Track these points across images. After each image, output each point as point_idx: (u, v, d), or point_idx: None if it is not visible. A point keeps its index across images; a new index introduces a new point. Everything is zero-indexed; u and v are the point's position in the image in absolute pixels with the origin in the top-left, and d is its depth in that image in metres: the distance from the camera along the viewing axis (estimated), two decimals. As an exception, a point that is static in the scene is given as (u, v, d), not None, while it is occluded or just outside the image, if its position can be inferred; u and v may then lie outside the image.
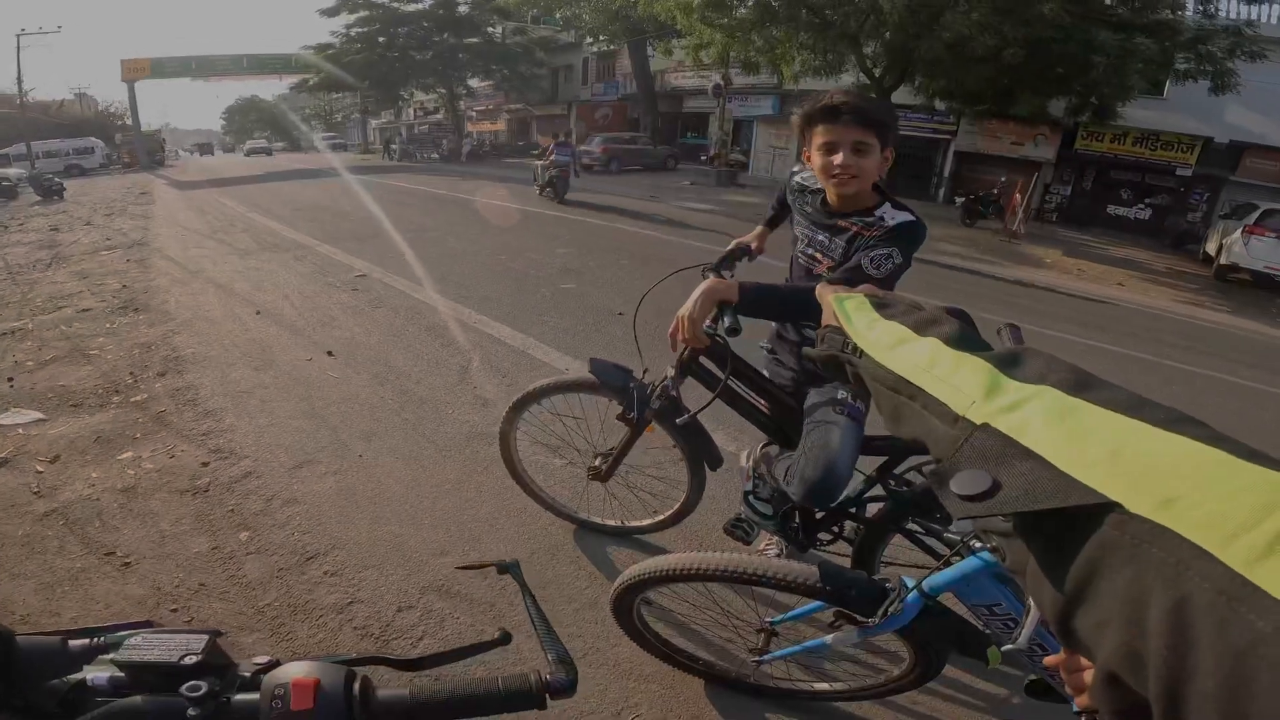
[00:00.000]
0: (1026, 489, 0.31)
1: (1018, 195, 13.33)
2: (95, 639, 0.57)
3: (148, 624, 0.59)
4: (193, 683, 0.49)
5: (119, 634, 0.56)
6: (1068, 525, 0.29)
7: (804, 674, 1.66)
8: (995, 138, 17.57)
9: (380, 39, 29.36)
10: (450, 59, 29.38)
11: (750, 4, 13.29)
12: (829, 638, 1.30)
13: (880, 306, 0.51)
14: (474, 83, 33.60)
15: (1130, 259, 12.16)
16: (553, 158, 12.19)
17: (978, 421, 0.36)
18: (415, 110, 43.42)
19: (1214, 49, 10.90)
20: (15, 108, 30.28)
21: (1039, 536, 0.31)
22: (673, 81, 25.44)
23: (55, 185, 15.57)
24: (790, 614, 1.46)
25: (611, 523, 2.27)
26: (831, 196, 1.53)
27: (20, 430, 3.04)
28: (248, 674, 0.53)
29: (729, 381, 1.61)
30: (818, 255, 1.60)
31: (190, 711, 0.48)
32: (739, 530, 1.92)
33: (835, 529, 1.83)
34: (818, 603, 1.31)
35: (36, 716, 0.51)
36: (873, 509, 1.74)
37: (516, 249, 7.41)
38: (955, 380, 0.39)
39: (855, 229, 1.49)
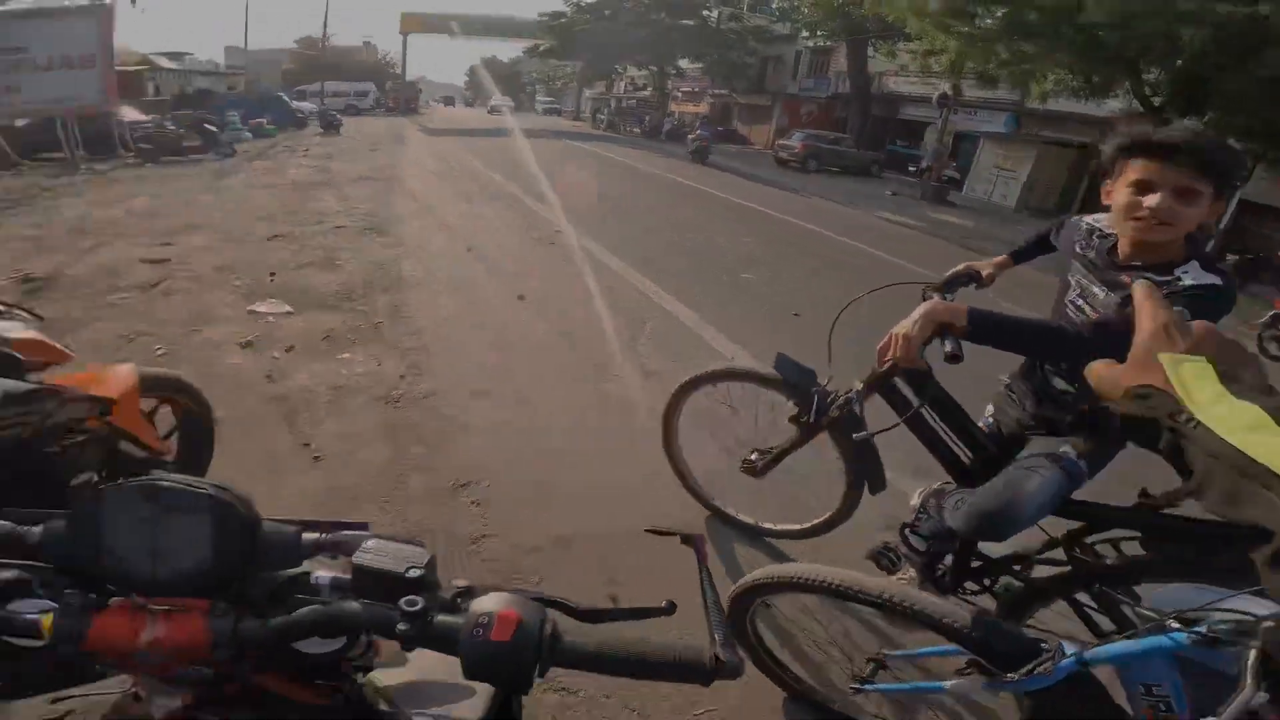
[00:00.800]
0: None
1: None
2: (322, 535, 0.59)
3: (365, 526, 0.61)
4: (410, 597, 0.50)
5: (343, 534, 0.59)
6: None
7: (897, 715, 1.59)
8: (1300, 192, 14.12)
9: (605, 12, 30.99)
10: (664, 38, 30.22)
11: (998, 14, 11.87)
12: (948, 683, 1.21)
13: (1228, 378, 0.48)
14: (684, 64, 34.25)
15: None
16: (698, 132, 18.94)
17: None
18: (626, 85, 45.30)
19: None
20: (318, 50, 36.66)
21: None
22: (890, 85, 23.80)
23: (335, 120, 18.66)
24: (913, 651, 1.39)
25: (749, 519, 2.23)
26: (1124, 245, 1.31)
27: (270, 319, 3.68)
28: (448, 596, 0.54)
29: (922, 409, 1.50)
30: (1088, 309, 1.39)
31: (400, 626, 0.49)
32: (885, 559, 1.83)
33: (988, 581, 1.67)
34: (948, 646, 1.21)
35: (250, 603, 0.53)
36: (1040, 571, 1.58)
37: (703, 231, 7.47)
38: None
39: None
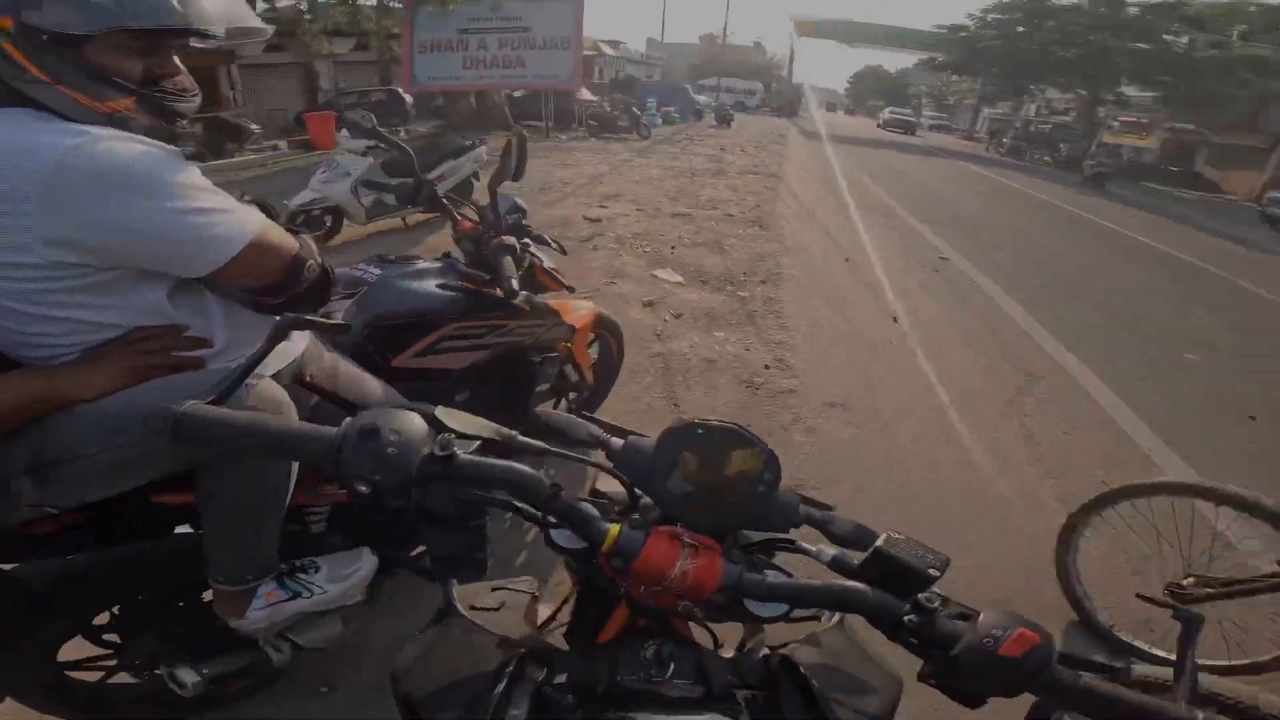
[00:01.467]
0: None
1: None
2: (816, 510, 0.66)
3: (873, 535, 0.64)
4: (927, 594, 0.52)
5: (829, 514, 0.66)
6: None
7: None
8: None
9: (1019, 28, 26.87)
10: (1102, 61, 24.68)
11: None
12: None
13: None
14: (1129, 90, 27.57)
15: None
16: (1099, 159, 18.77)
17: None
18: (1039, 107, 38.91)
19: None
20: (718, 47, 40.43)
21: None
22: None
23: (728, 115, 20.42)
24: None
25: (1161, 654, 1.74)
26: None
27: (667, 285, 4.19)
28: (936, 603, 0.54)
29: None
30: None
31: (908, 617, 0.51)
32: None
33: None
34: None
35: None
36: None
37: (1136, 297, 5.92)
38: None
39: None
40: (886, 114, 37.25)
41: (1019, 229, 8.18)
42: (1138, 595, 0.67)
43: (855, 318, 4.05)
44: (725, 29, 41.57)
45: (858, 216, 7.17)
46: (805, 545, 0.63)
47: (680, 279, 4.42)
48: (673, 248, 5.12)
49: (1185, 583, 1.65)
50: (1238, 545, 1.90)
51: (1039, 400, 3.28)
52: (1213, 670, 1.75)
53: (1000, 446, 2.80)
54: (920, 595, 0.53)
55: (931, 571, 0.55)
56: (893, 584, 0.55)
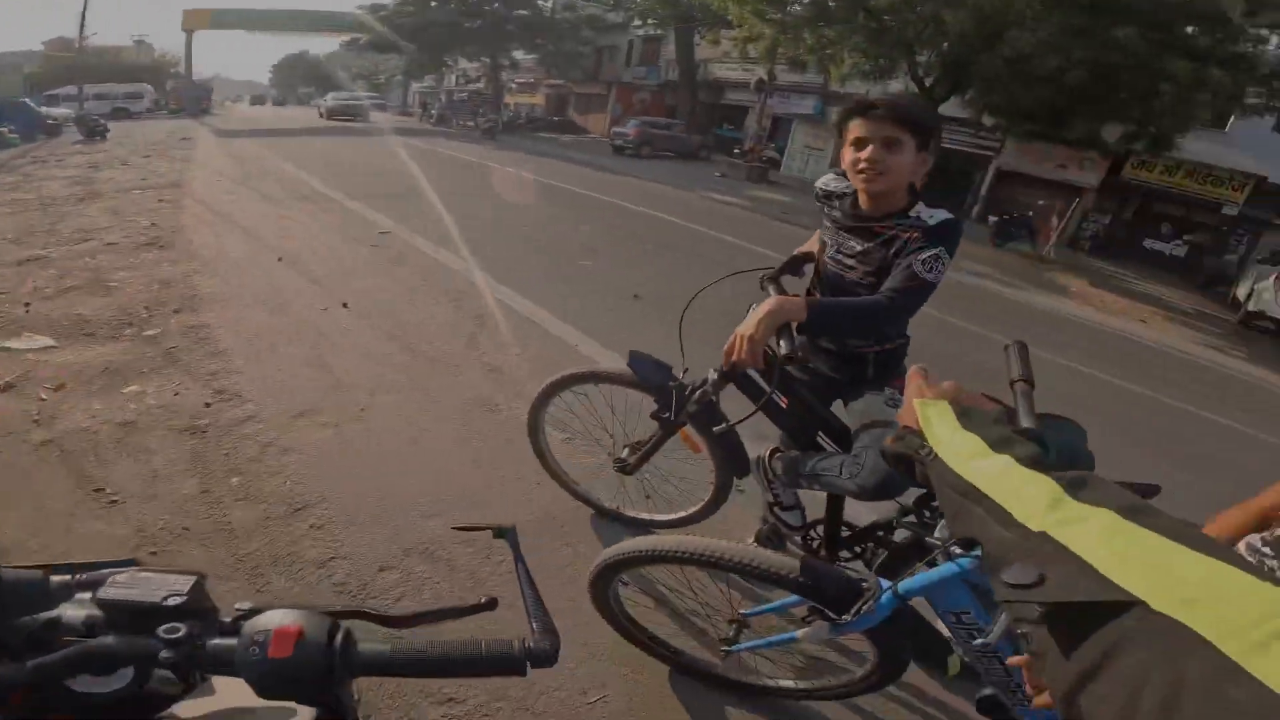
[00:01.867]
0: (1067, 585, 0.38)
1: (1054, 220, 13.05)
2: (77, 575, 0.55)
3: (132, 563, 0.58)
4: (170, 625, 0.48)
5: (102, 571, 0.55)
6: (1094, 617, 0.35)
7: (771, 669, 1.66)
8: (1040, 159, 17.16)
9: (432, 3, 29.47)
10: (498, 29, 29.40)
11: (806, 1, 13.07)
12: (799, 632, 1.29)
13: (962, 415, 0.56)
14: (518, 54, 33.57)
15: (1157, 296, 11.83)
16: (487, 114, 24.01)
17: (1035, 530, 0.42)
18: (457, 77, 43.38)
19: None
20: (73, 51, 30.85)
21: (1065, 625, 0.37)
22: (715, 72, 25.19)
23: (99, 126, 15.82)
24: (765, 607, 1.45)
25: (632, 513, 2.24)
26: (863, 199, 1.48)
27: (29, 355, 3.08)
28: (228, 619, 0.52)
29: (774, 395, 1.54)
30: (850, 261, 1.54)
31: (164, 654, 0.47)
32: (770, 542, 1.89)
33: (859, 548, 1.78)
34: (793, 597, 1.30)
35: (4, 651, 0.50)
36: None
37: (540, 222, 7.41)
38: (1022, 494, 0.45)
39: (893, 232, 1.44)
40: (330, 100, 31.42)
41: (454, 189, 9.08)
42: (454, 528, 0.77)
43: (302, 316, 3.79)
44: (82, 30, 30.97)
45: (288, 209, 6.64)
46: (69, 615, 0.53)
47: (50, 340, 3.26)
48: (27, 305, 3.72)
49: (624, 454, 1.96)
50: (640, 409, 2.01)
51: (491, 336, 3.78)
52: (665, 525, 2.16)
53: (470, 387, 3.09)
54: (162, 629, 0.48)
55: (171, 600, 0.50)
56: (144, 625, 0.49)
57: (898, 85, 14.08)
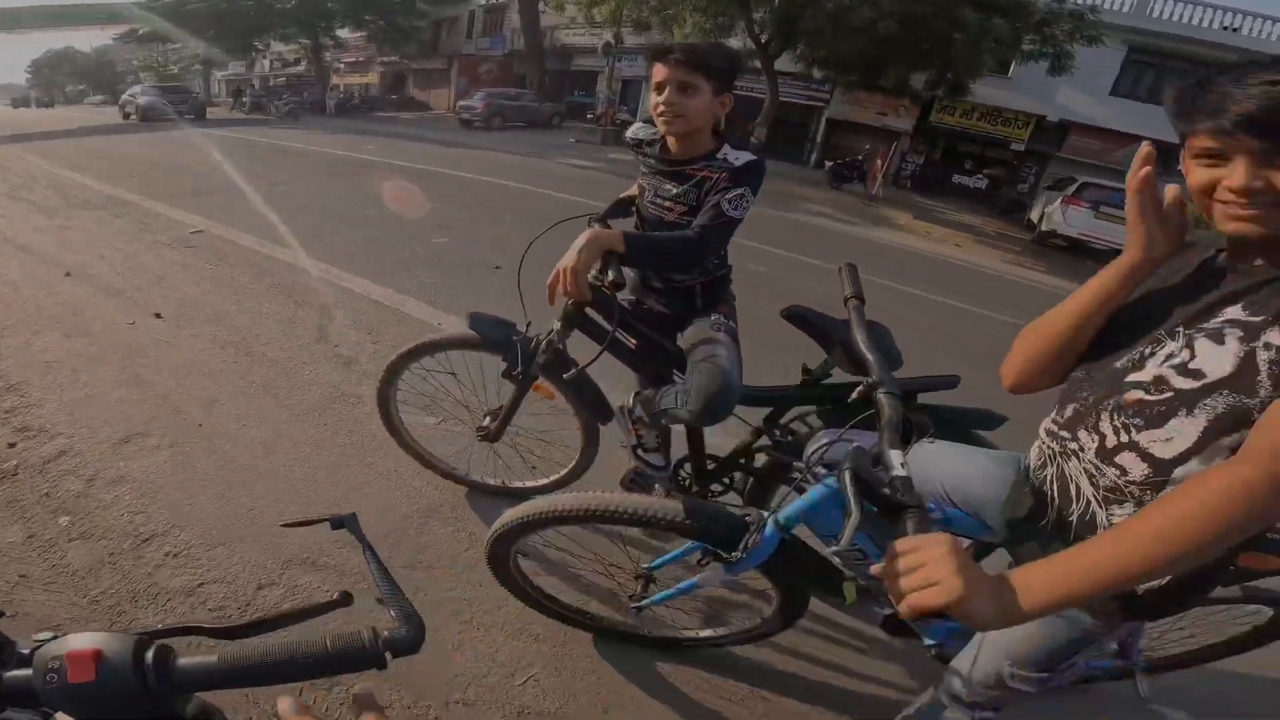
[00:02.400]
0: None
1: (878, 162, 14.39)
2: None
3: None
4: None
5: None
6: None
7: (687, 621, 1.70)
8: (862, 107, 18.73)
9: None
10: (316, 8, 26.67)
11: None
12: (698, 577, 1.30)
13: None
14: (343, 33, 30.72)
15: (968, 224, 13.57)
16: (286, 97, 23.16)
17: None
18: (272, 61, 39.06)
19: (1057, 31, 12.20)
20: None
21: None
22: (563, 38, 24.66)
23: None
24: (665, 557, 1.45)
25: (500, 483, 2.20)
26: (671, 143, 1.54)
27: None
28: (26, 650, 0.49)
29: (617, 333, 1.57)
30: (668, 203, 1.59)
31: None
32: (636, 484, 1.91)
33: (726, 480, 1.86)
34: (690, 544, 1.30)
35: None
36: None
37: (385, 204, 6.93)
38: None
39: (703, 173, 1.50)
40: (142, 97, 20.59)
41: (279, 179, 8.21)
42: (283, 525, 0.69)
43: (106, 334, 3.28)
44: None
45: (70, 219, 5.66)
46: None
47: None
48: None
49: (485, 422, 1.93)
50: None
51: (341, 327, 3.51)
52: (546, 489, 2.12)
53: (324, 384, 2.86)
54: None
55: None
56: None
57: (737, 42, 14.62)
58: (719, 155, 1.50)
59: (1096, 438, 0.88)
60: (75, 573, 1.78)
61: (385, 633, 0.53)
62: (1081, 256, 11.36)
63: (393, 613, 0.56)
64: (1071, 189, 11.97)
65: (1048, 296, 7.65)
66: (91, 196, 6.56)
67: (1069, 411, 0.94)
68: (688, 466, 1.89)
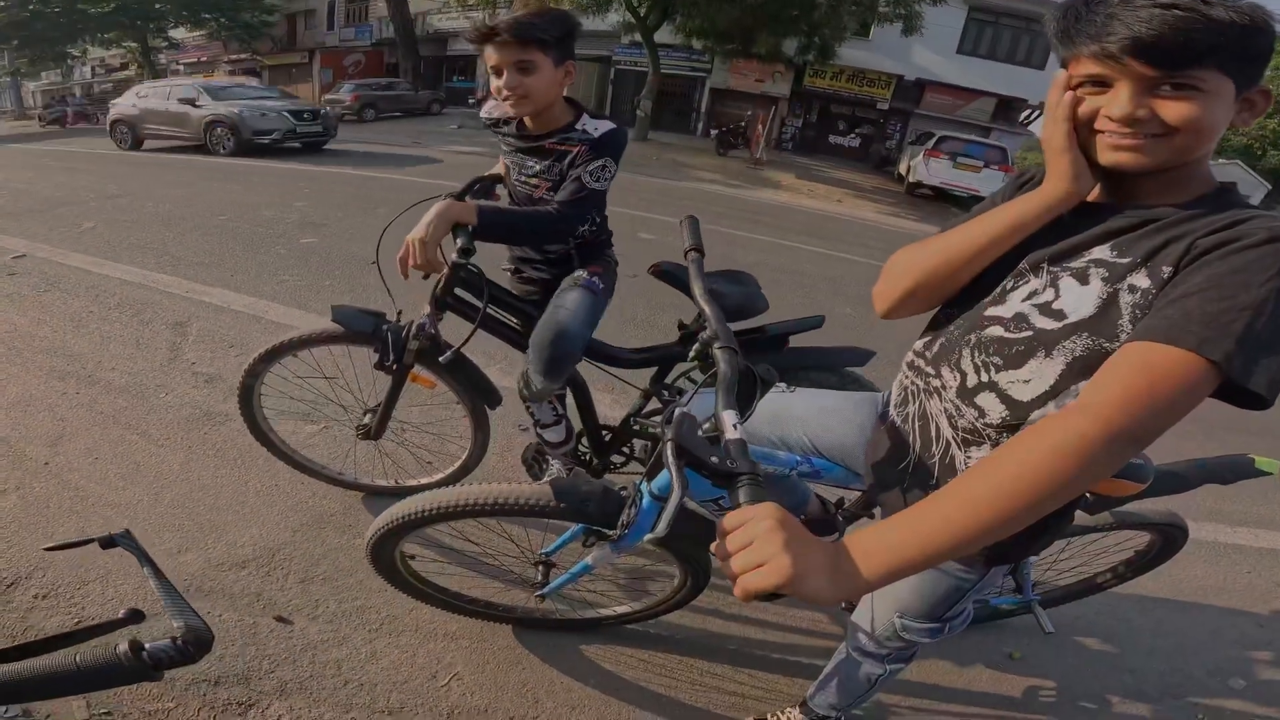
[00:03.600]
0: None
1: (760, 127, 14.91)
2: None
3: None
4: None
5: None
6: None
7: (600, 600, 1.71)
8: (742, 75, 19.26)
9: None
10: (139, 10, 23.83)
11: None
12: (589, 559, 1.25)
13: None
14: (178, 33, 27.74)
15: (846, 180, 14.41)
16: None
17: None
18: (94, 68, 34.74)
19: None
20: None
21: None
22: (436, 23, 23.52)
23: None
24: (557, 542, 1.42)
25: (393, 483, 2.13)
26: (527, 120, 1.50)
27: None
28: None
29: (489, 310, 1.54)
30: (534, 180, 1.57)
31: None
32: (534, 465, 1.90)
33: (625, 449, 1.86)
34: (578, 526, 1.27)
35: None
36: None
37: (244, 206, 6.39)
38: None
39: (564, 147, 1.48)
40: None
41: (115, 192, 7.36)
42: (45, 549, 0.63)
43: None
44: None
45: None
46: None
47: None
48: None
49: (365, 420, 1.85)
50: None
51: (197, 341, 3.24)
52: (442, 484, 2.03)
53: (184, 405, 2.66)
54: None
55: None
56: None
57: (615, 17, 14.56)
58: (578, 126, 1.47)
59: (958, 376, 0.84)
60: None
61: (148, 645, 0.51)
62: (947, 203, 12.36)
63: (177, 624, 0.55)
64: (930, 143, 12.95)
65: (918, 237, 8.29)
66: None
67: (936, 347, 0.89)
68: (584, 441, 1.88)
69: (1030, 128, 20.21)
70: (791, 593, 0.60)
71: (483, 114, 1.66)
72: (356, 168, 9.43)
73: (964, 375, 0.83)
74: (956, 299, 0.88)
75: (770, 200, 10.03)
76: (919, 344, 0.94)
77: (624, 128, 1.54)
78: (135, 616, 0.57)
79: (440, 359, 1.60)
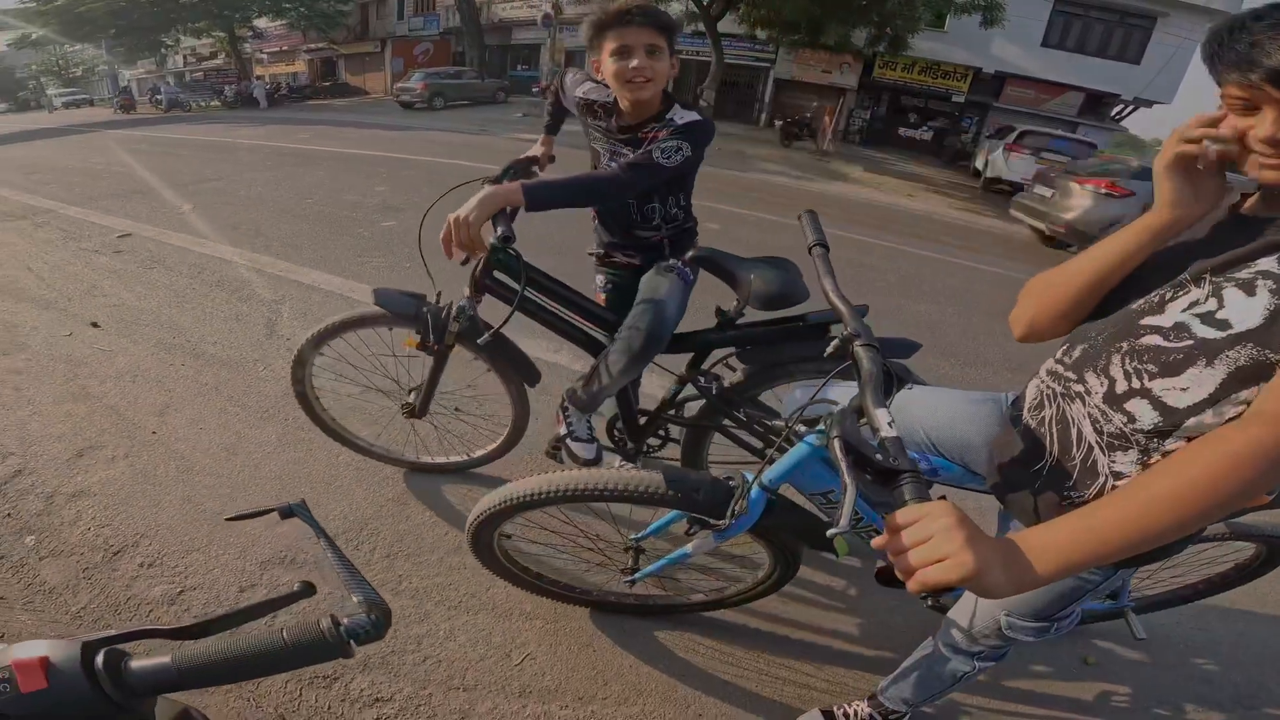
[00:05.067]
0: None
1: (827, 119, 14.49)
2: None
3: None
4: None
5: None
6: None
7: (680, 587, 1.70)
8: (808, 66, 18.76)
9: None
10: (228, 0, 25.21)
11: None
12: (689, 546, 1.26)
13: None
14: (261, 23, 29.17)
15: (917, 174, 13.85)
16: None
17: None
18: (185, 57, 36.93)
19: None
20: None
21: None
22: (500, 13, 23.92)
23: None
24: (651, 529, 1.43)
25: (443, 459, 2.17)
26: (625, 105, 1.51)
27: None
28: None
29: (526, 293, 1.56)
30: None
31: None
32: (556, 456, 1.83)
33: (660, 433, 1.87)
34: (674, 513, 1.27)
35: None
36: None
37: (329, 190, 6.66)
38: None
39: (653, 135, 1.49)
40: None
41: (209, 175, 7.79)
42: (226, 519, 0.66)
43: (43, 348, 3.08)
44: None
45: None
46: None
47: None
48: None
49: (409, 399, 1.89)
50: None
51: (291, 321, 3.38)
52: (487, 459, 2.10)
53: (280, 380, 2.76)
54: None
55: None
56: None
57: (679, 6, 14.43)
58: (668, 116, 1.49)
59: (1105, 381, 0.84)
60: (52, 590, 1.72)
61: (346, 620, 0.51)
62: (1026, 200, 11.70)
63: (356, 599, 0.54)
64: (1012, 137, 12.28)
65: (1000, 239, 7.89)
66: (7, 208, 6.12)
67: (1077, 352, 0.90)
68: (620, 425, 1.88)
69: (1123, 123, 18.96)
70: (970, 587, 0.63)
71: (578, 94, 1.64)
72: (432, 155, 9.67)
73: (1112, 381, 0.83)
74: (1096, 312, 0.90)
75: (839, 193, 9.75)
76: (1059, 353, 0.95)
77: (711, 121, 1.51)
78: (308, 590, 0.57)
79: (478, 340, 1.61)
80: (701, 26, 14.61)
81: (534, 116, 16.18)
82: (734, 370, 1.63)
